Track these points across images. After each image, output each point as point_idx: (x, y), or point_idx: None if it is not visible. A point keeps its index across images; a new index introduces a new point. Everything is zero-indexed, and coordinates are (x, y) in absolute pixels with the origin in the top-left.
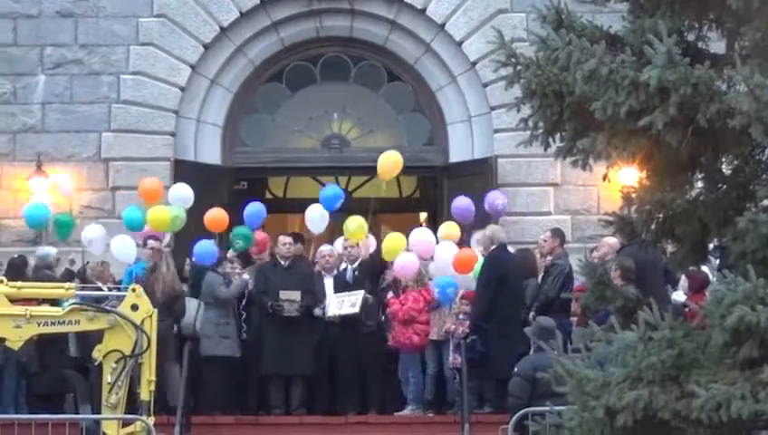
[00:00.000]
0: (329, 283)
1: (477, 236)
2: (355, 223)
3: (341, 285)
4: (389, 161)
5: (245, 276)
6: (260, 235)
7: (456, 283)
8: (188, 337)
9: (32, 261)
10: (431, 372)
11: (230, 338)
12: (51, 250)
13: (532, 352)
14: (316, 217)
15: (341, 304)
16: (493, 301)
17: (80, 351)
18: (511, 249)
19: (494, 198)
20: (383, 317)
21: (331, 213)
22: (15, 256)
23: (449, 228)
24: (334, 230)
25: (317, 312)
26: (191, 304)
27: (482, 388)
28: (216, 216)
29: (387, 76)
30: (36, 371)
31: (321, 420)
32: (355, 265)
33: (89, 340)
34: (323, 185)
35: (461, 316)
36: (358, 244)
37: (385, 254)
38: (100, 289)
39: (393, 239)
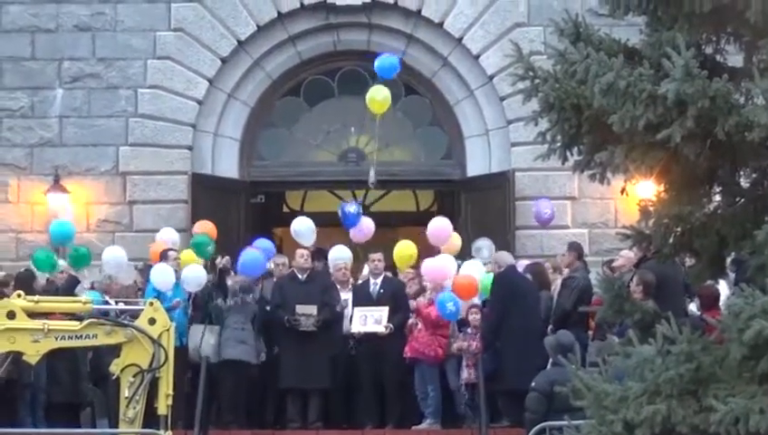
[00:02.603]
0: (347, 296)
1: (477, 244)
2: (380, 93)
3: (364, 300)
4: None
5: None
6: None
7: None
8: (193, 363)
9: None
10: None
11: (246, 343)
12: (60, 262)
13: (549, 366)
14: (303, 230)
15: (365, 319)
16: (503, 319)
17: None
18: (525, 262)
19: (544, 208)
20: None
21: (388, 80)
22: (22, 269)
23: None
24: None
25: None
26: (196, 330)
27: (494, 401)
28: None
29: (404, 90)
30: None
31: None
32: (379, 279)
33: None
34: (341, 199)
35: (470, 330)
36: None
37: (398, 261)
38: (108, 303)
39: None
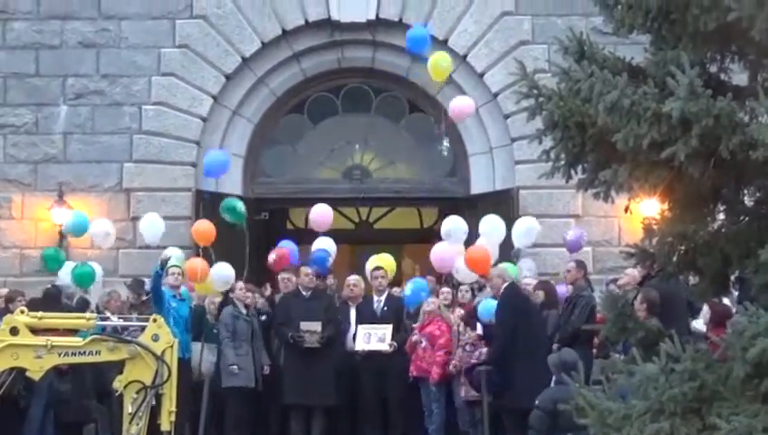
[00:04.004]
0: (352, 313)
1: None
2: (441, 60)
3: (367, 317)
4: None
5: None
6: (280, 251)
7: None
8: (196, 381)
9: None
10: None
11: (245, 369)
12: (69, 282)
13: (552, 384)
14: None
15: (369, 337)
16: (511, 338)
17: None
18: (532, 281)
19: (580, 235)
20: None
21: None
22: (50, 285)
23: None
24: (354, 263)
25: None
26: (195, 348)
27: (497, 418)
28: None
29: (408, 107)
30: (69, 398)
31: None
32: (383, 297)
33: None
34: (345, 216)
35: (467, 347)
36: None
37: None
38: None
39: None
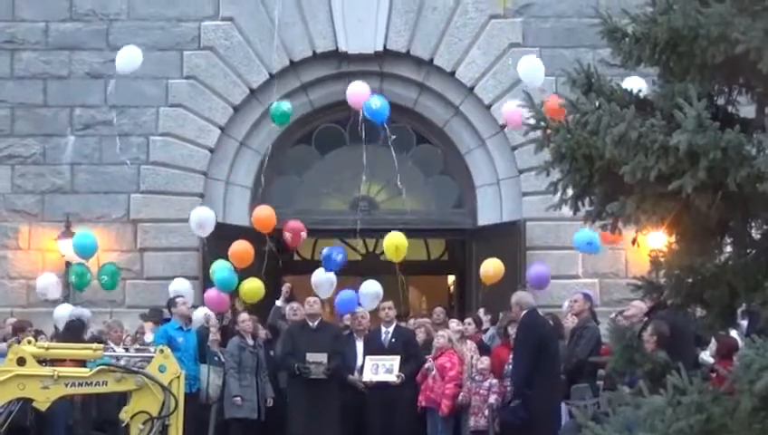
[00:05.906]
0: (359, 345)
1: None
2: None
3: (375, 349)
4: None
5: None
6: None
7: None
8: (204, 403)
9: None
10: None
11: (248, 401)
12: (85, 312)
13: (568, 417)
14: (322, 282)
15: (376, 368)
16: (534, 367)
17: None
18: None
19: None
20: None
21: None
22: (74, 318)
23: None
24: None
25: (352, 378)
26: (202, 370)
27: None
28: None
29: (416, 139)
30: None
31: None
32: (390, 328)
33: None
34: (353, 247)
35: (477, 377)
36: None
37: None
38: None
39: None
